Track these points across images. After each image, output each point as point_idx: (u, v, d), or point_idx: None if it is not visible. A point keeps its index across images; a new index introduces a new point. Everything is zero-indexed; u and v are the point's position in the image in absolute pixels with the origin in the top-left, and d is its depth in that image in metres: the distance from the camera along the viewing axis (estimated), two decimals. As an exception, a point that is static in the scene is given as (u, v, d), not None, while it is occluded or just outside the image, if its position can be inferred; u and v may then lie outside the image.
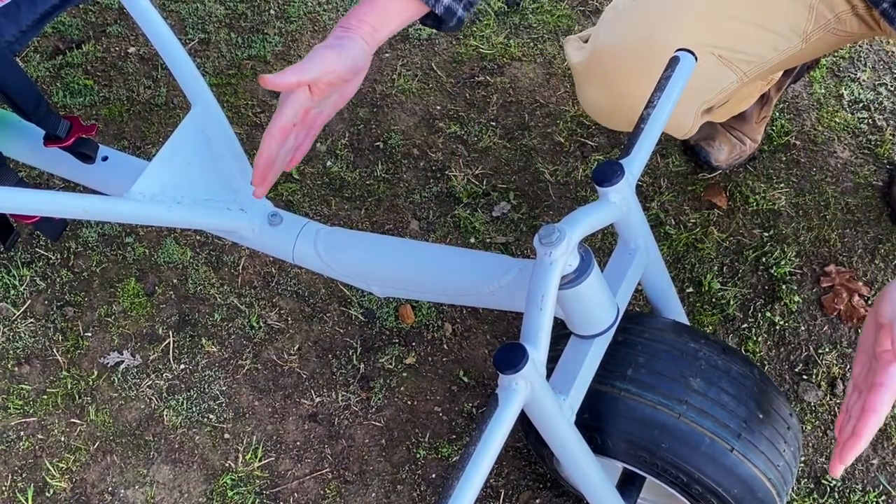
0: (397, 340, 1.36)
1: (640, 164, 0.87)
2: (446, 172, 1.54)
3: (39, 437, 1.30)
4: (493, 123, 1.60)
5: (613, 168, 0.84)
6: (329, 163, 1.56)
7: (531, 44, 1.70)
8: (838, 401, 1.26)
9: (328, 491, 1.24)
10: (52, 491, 1.26)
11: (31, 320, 1.41)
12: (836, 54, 1.63)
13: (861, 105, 1.57)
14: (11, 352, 1.38)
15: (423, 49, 1.71)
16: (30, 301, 1.43)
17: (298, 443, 1.28)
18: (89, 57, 1.74)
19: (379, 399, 1.31)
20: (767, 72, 1.11)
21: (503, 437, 0.72)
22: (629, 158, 0.87)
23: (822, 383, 1.28)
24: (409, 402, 1.31)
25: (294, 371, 1.34)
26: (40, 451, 1.29)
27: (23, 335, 1.40)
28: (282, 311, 1.40)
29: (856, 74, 1.61)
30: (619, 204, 0.84)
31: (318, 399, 1.31)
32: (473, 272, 0.92)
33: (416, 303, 1.39)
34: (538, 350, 0.74)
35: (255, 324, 1.39)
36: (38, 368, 1.37)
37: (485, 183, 1.52)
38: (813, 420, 1.25)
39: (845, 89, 1.59)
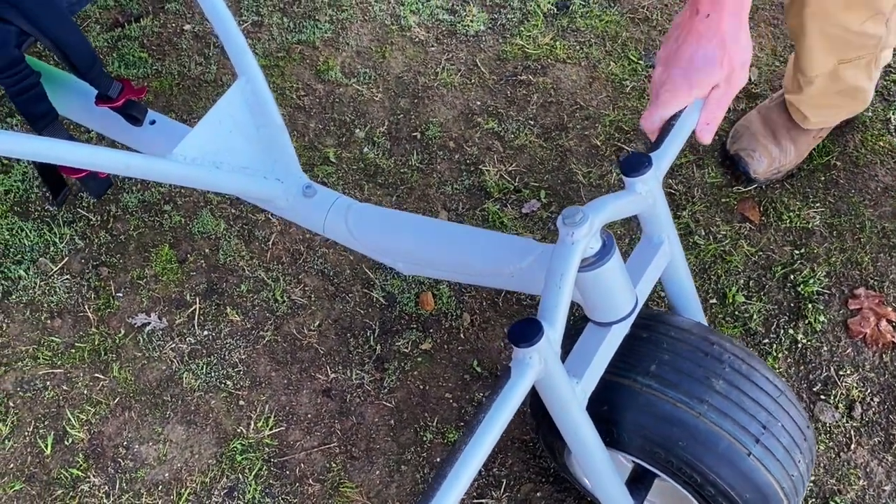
0: (415, 326, 1.37)
1: (669, 159, 0.88)
2: (480, 167, 1.55)
3: (64, 388, 1.34)
4: (532, 122, 1.61)
5: (642, 159, 0.84)
6: (366, 149, 1.58)
7: (577, 47, 1.71)
8: (855, 424, 1.24)
9: (334, 465, 1.25)
10: (70, 440, 1.29)
11: (67, 277, 1.46)
12: (885, 78, 1.61)
13: (906, 132, 1.54)
14: (45, 305, 1.43)
15: (469, 45, 1.74)
16: (67, 258, 1.47)
17: (310, 416, 1.30)
18: (146, 31, 1.79)
19: (392, 381, 1.32)
20: None
21: (513, 410, 0.72)
22: (659, 152, 0.87)
23: (840, 405, 1.26)
24: (421, 387, 1.32)
25: (312, 346, 1.36)
26: (63, 402, 1.33)
27: (58, 290, 1.44)
28: (306, 288, 1.43)
29: (903, 101, 1.59)
30: (644, 195, 0.85)
31: (332, 375, 1.33)
32: (496, 253, 0.93)
33: (437, 290, 1.40)
34: (554, 328, 0.74)
35: (279, 297, 1.41)
36: (69, 323, 1.41)
37: (517, 180, 1.53)
38: (826, 440, 1.23)
39: (893, 113, 1.56)
